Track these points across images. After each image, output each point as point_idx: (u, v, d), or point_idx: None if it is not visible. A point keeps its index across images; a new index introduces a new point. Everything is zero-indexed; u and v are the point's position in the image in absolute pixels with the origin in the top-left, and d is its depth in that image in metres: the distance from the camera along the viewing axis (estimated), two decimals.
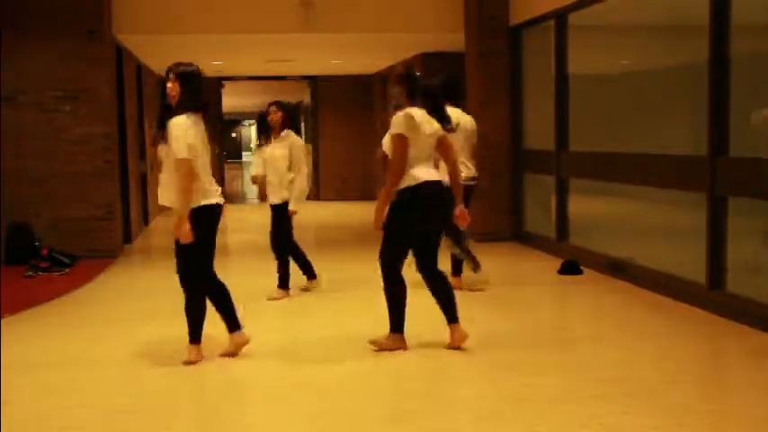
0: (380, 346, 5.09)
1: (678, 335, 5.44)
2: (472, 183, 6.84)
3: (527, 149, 9.72)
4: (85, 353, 5.28)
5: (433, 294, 5.14)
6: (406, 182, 4.91)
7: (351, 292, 7.18)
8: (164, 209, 14.40)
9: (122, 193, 10.14)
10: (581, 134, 8.46)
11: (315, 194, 17.21)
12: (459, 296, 5.21)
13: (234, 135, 41.83)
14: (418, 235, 5.02)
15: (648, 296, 6.59)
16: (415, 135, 4.90)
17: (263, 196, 6.96)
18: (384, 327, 5.80)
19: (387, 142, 5.02)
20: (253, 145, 7.21)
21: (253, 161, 7.11)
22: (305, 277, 7.11)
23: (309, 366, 4.88)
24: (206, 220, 4.76)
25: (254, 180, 6.87)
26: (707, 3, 5.93)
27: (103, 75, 9.23)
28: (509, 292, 7.06)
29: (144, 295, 7.32)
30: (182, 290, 4.92)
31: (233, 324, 4.98)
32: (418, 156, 4.94)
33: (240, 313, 5.05)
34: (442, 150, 5.12)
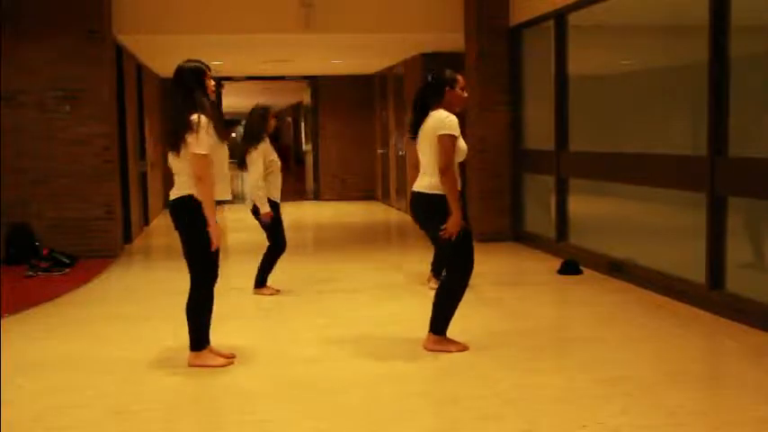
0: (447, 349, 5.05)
1: (678, 335, 5.44)
2: None
3: (527, 150, 9.72)
4: (85, 353, 5.28)
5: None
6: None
7: (350, 292, 7.18)
8: (162, 209, 14.39)
9: (122, 193, 10.13)
10: (581, 134, 8.47)
11: (315, 194, 17.25)
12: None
13: (234, 135, 41.82)
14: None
15: (648, 296, 6.59)
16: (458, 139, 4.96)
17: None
18: (382, 326, 5.82)
19: (426, 144, 4.97)
20: (253, 162, 7.07)
21: (258, 166, 6.72)
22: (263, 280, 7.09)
23: (309, 366, 4.88)
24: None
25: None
26: (707, 3, 5.93)
27: (103, 75, 9.23)
28: (509, 292, 7.06)
29: (144, 295, 7.32)
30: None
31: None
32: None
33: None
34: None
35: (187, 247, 4.76)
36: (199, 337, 4.85)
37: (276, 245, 6.95)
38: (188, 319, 4.83)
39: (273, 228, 6.90)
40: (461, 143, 4.98)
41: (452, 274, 5.04)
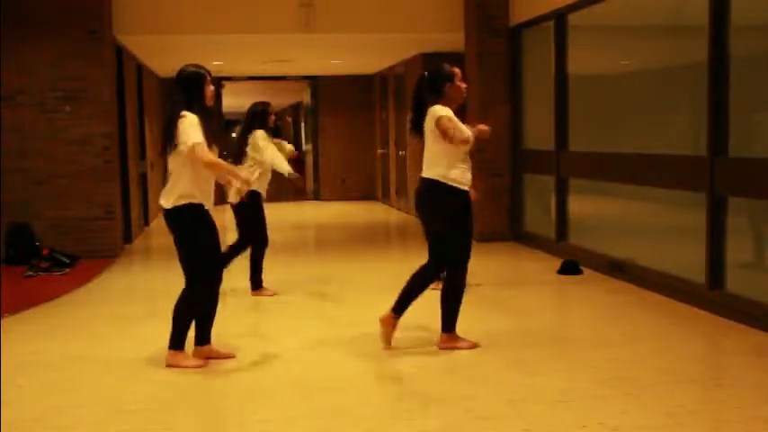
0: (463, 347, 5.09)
1: (678, 335, 5.44)
2: None
3: (527, 149, 9.72)
4: (85, 353, 5.28)
5: None
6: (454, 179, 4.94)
7: (350, 293, 7.18)
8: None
9: (122, 193, 10.13)
10: (581, 134, 8.47)
11: (315, 194, 17.25)
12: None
13: (234, 135, 41.77)
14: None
15: (648, 296, 6.59)
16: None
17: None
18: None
19: (431, 136, 4.96)
20: (262, 141, 7.06)
21: (275, 154, 6.76)
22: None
23: (309, 366, 4.88)
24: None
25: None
26: (707, 3, 5.93)
27: (103, 75, 9.22)
28: (509, 292, 7.06)
29: (144, 295, 7.32)
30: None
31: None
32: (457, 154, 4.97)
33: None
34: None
35: (180, 250, 4.81)
36: (178, 336, 4.86)
37: (247, 240, 6.86)
38: (173, 317, 4.87)
39: (254, 220, 6.81)
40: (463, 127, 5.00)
41: (455, 270, 5.05)
